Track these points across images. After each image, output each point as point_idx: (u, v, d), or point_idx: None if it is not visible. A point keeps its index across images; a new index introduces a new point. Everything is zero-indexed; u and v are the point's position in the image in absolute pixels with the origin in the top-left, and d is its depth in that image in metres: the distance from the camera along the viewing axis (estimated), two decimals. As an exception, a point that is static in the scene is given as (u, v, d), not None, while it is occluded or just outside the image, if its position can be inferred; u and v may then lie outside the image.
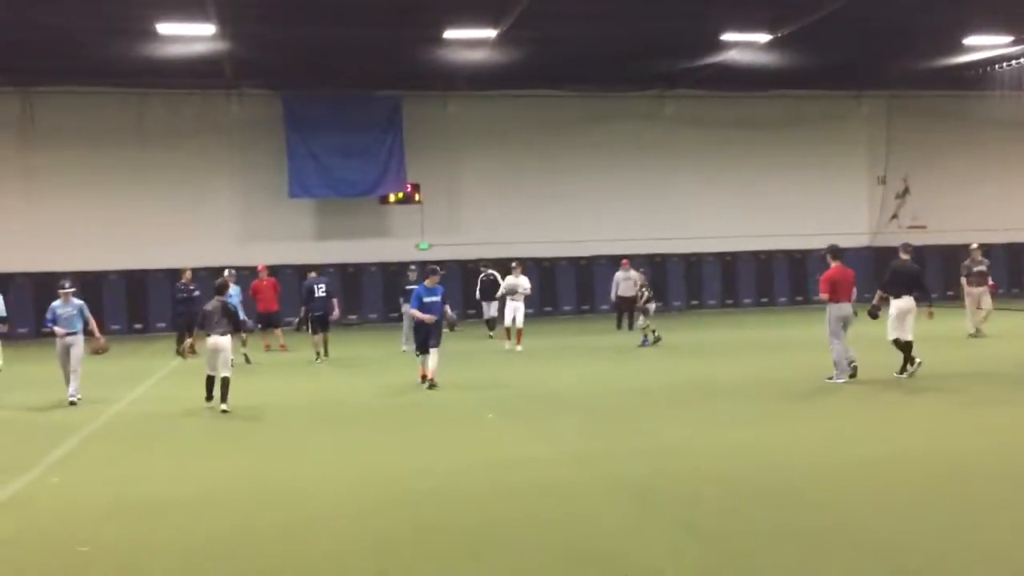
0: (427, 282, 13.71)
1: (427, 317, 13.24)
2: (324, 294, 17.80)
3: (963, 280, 19.31)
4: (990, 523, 6.20)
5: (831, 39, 23.31)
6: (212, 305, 11.94)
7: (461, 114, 28.33)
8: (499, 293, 19.93)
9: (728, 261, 30.17)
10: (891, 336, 13.00)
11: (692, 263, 30.01)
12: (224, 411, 11.38)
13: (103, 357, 13.57)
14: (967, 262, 19.34)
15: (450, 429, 10.31)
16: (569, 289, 29.02)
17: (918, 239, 30.70)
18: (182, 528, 6.54)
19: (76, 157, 26.10)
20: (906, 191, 30.69)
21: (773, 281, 30.70)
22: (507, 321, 18.97)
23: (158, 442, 9.97)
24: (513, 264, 19.84)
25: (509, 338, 18.87)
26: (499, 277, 21.23)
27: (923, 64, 27.07)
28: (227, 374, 11.64)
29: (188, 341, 13.32)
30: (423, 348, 13.48)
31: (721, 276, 30.19)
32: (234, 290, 17.60)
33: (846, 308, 12.70)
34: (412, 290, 14.21)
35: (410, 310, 14.13)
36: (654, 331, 18.59)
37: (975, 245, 19.69)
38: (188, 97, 26.69)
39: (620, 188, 29.39)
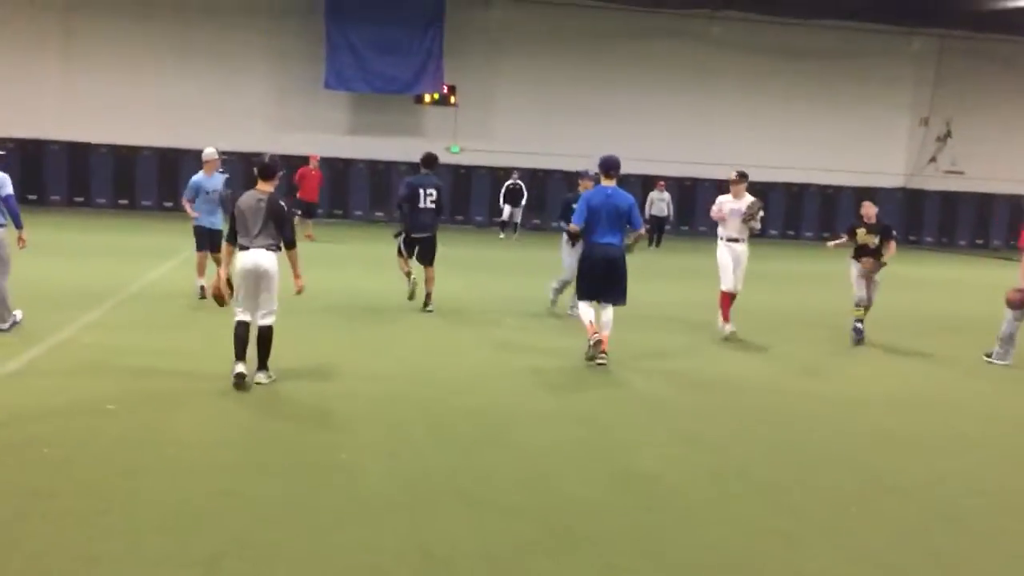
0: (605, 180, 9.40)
1: (572, 227, 9.30)
2: (432, 204, 11.15)
3: None
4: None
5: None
6: (249, 200, 7.09)
7: (504, 18, 27.91)
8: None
9: (759, 192, 29.86)
10: None
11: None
12: (260, 382, 7.05)
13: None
14: None
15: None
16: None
17: (954, 185, 30.56)
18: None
19: (116, 26, 26.12)
20: (948, 134, 30.18)
21: (802, 215, 30.52)
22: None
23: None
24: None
25: None
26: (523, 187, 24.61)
27: (978, 5, 26.32)
28: (270, 321, 7.09)
29: (220, 276, 7.43)
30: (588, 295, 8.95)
31: (750, 205, 29.92)
32: (219, 178, 11.07)
33: None
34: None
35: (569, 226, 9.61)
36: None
37: None
38: (231, -21, 26.56)
39: (658, 108, 29.09)
